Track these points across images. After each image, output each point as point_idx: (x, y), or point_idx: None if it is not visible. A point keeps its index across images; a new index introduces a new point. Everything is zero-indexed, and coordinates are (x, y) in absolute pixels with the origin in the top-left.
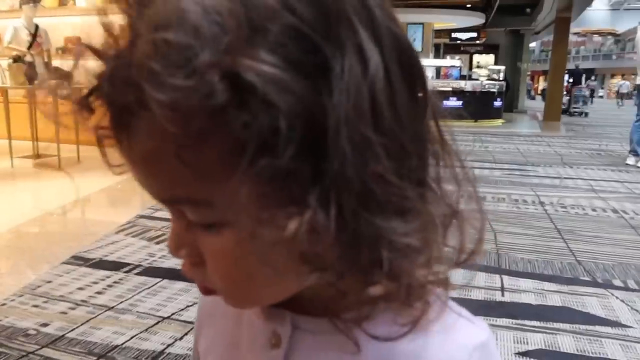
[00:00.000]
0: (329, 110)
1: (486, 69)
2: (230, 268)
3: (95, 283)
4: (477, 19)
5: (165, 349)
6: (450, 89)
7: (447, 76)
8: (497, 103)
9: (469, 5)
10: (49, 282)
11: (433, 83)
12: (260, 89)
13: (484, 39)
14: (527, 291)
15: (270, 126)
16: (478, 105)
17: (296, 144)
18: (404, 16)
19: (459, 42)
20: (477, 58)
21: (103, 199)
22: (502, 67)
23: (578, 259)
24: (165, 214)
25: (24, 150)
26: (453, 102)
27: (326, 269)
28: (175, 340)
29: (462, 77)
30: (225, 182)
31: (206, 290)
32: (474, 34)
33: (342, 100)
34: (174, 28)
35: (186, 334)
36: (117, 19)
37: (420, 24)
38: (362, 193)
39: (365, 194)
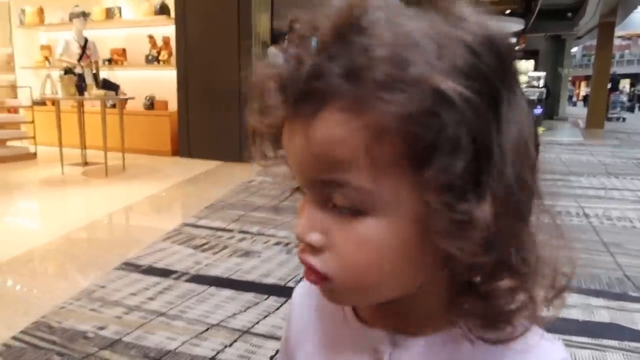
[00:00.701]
0: (494, 136)
1: (526, 76)
2: (363, 255)
3: (147, 289)
4: (517, 25)
5: (215, 355)
6: None
7: None
8: (537, 110)
9: (508, 12)
10: (103, 287)
11: None
12: (458, 105)
13: (523, 45)
14: (573, 306)
15: (455, 135)
16: None
17: (468, 155)
18: None
19: None
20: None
21: (148, 207)
22: (543, 74)
23: (626, 273)
24: (209, 222)
25: (73, 158)
26: None
27: (459, 264)
28: (225, 347)
29: None
30: (395, 176)
31: (316, 277)
32: (513, 40)
33: (511, 129)
34: (407, 49)
35: (235, 340)
36: None
37: None
38: (511, 205)
39: (514, 206)
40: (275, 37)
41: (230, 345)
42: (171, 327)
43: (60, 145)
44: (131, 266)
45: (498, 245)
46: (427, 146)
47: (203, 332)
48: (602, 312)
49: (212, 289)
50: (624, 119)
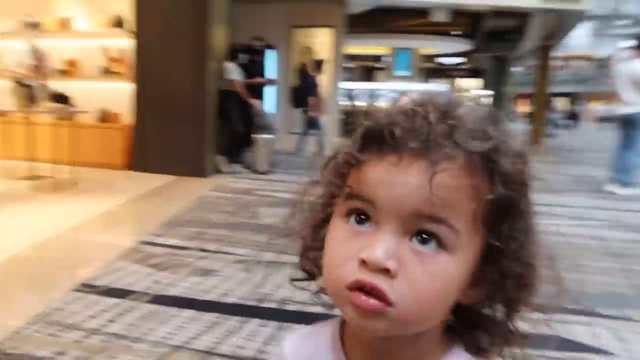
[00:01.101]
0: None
1: (470, 93)
2: (436, 287)
3: (106, 311)
4: (464, 45)
5: None
6: None
7: None
8: None
9: (454, 33)
10: (60, 309)
11: None
12: (511, 176)
13: (469, 64)
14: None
15: (501, 200)
16: None
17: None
18: (391, 42)
19: (443, 66)
20: (462, 82)
21: (103, 223)
22: (487, 92)
23: (565, 287)
24: (166, 239)
25: (21, 172)
26: None
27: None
28: None
29: None
30: (471, 222)
31: (380, 302)
32: (460, 59)
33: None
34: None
35: None
36: None
37: (408, 49)
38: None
39: (518, 271)
40: (233, 53)
41: None
42: (134, 350)
43: (8, 158)
44: (88, 287)
45: (509, 279)
46: (504, 211)
47: (167, 354)
48: (542, 324)
49: (174, 310)
50: (557, 136)
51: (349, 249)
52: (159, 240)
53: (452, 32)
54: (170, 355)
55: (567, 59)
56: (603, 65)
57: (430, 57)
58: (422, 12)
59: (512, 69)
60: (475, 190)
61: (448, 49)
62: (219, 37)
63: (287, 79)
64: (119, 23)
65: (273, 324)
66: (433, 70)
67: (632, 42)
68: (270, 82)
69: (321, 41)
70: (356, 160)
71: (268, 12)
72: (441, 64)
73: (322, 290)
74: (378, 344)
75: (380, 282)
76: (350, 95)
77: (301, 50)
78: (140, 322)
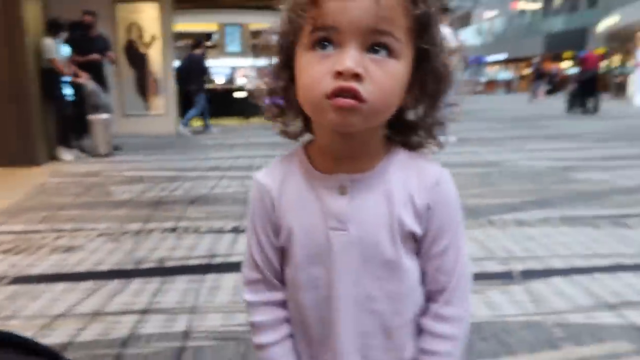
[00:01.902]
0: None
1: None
2: (392, 84)
3: None
4: None
5: (72, 340)
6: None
7: None
8: None
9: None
10: None
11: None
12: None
13: None
14: None
15: (422, 15)
16: None
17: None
18: (221, 17)
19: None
20: None
21: None
22: None
23: None
24: (10, 227)
25: None
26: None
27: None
28: (80, 330)
29: None
30: (407, 33)
31: (356, 99)
32: None
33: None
34: None
35: (88, 323)
36: None
37: (238, 24)
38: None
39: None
40: (53, 28)
41: (85, 328)
42: (9, 327)
43: None
44: None
45: (437, 79)
46: (426, 22)
47: (49, 323)
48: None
49: (42, 286)
50: None
51: (321, 68)
52: (1, 228)
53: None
54: (52, 323)
55: None
56: None
57: (260, 32)
58: None
59: None
60: (405, 9)
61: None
62: (33, 12)
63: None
64: None
65: (157, 279)
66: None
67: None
68: (104, 59)
69: (148, 16)
70: None
71: None
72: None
73: (283, 132)
74: (340, 150)
75: (354, 84)
76: None
77: (127, 27)
78: (7, 303)
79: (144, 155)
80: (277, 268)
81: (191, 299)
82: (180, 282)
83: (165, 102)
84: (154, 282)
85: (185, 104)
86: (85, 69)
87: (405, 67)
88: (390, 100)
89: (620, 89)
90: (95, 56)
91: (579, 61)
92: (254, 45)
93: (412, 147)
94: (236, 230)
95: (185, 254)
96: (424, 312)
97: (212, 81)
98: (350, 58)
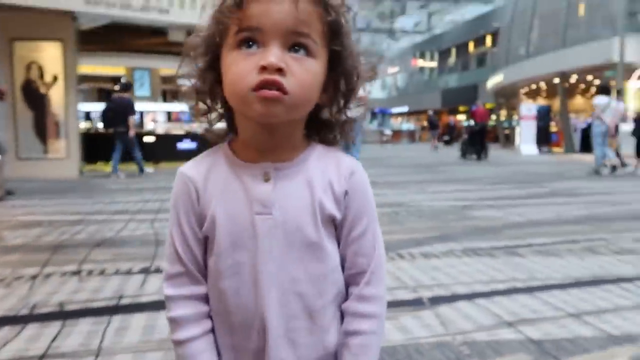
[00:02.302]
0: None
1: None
2: (310, 79)
3: None
4: None
5: None
6: (183, 132)
7: (178, 120)
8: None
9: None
10: None
11: (167, 126)
12: (336, 7)
13: None
14: None
15: (347, 29)
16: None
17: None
18: (130, 61)
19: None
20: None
21: None
22: None
23: None
24: None
25: None
26: (187, 144)
27: (328, 93)
28: None
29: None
30: (322, 36)
31: (279, 90)
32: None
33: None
34: None
35: None
36: None
37: (147, 69)
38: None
39: (352, 71)
40: None
41: None
42: None
43: None
44: None
45: (347, 78)
46: (337, 29)
47: None
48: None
49: None
50: None
51: (247, 64)
52: None
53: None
54: None
55: None
56: None
57: (170, 78)
58: (159, 31)
59: None
60: (319, 16)
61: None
62: None
63: (10, 96)
64: None
65: (56, 323)
66: (173, 92)
67: None
68: None
69: (49, 55)
70: (237, 1)
71: None
72: (181, 85)
73: (206, 131)
74: (264, 142)
75: (278, 77)
76: (88, 117)
77: (26, 66)
78: None
79: (41, 199)
80: (199, 260)
81: (96, 341)
82: (84, 325)
83: (66, 145)
84: (53, 327)
85: (110, 146)
86: None
87: (321, 66)
88: (310, 94)
89: (508, 140)
90: None
91: (470, 114)
92: (164, 90)
93: (328, 143)
94: (146, 271)
95: (89, 296)
96: (344, 298)
97: (141, 124)
98: (274, 55)
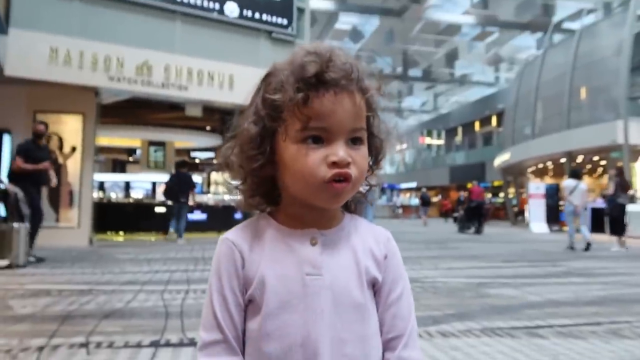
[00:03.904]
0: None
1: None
2: (365, 163)
3: None
4: (216, 140)
5: None
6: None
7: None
8: (238, 215)
9: (208, 128)
10: None
11: None
12: (374, 98)
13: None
14: None
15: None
16: (221, 218)
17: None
18: (147, 134)
19: (197, 160)
20: (213, 176)
21: None
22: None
23: None
24: None
25: None
26: (198, 215)
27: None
28: None
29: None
30: (366, 125)
31: (346, 179)
32: (212, 154)
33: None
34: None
35: None
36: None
37: (162, 143)
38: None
39: (380, 147)
40: None
41: None
42: None
43: None
44: None
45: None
46: (371, 117)
47: None
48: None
49: None
50: None
51: (315, 158)
52: None
53: (207, 128)
54: None
55: None
56: None
57: (184, 151)
58: (176, 106)
59: None
60: (366, 103)
61: (202, 143)
62: None
63: None
64: None
65: None
66: (188, 164)
67: None
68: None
69: (70, 128)
70: (303, 98)
71: (6, 93)
72: (194, 158)
73: (239, 204)
74: (311, 218)
75: (348, 170)
76: (102, 187)
77: (47, 137)
78: None
79: (51, 268)
80: (238, 327)
81: None
82: None
83: (78, 214)
84: None
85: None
86: (36, 178)
87: (367, 149)
88: (364, 175)
89: (517, 217)
90: (46, 164)
91: (467, 193)
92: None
93: (349, 212)
94: (156, 345)
95: None
96: None
97: (194, 196)
98: (342, 151)
